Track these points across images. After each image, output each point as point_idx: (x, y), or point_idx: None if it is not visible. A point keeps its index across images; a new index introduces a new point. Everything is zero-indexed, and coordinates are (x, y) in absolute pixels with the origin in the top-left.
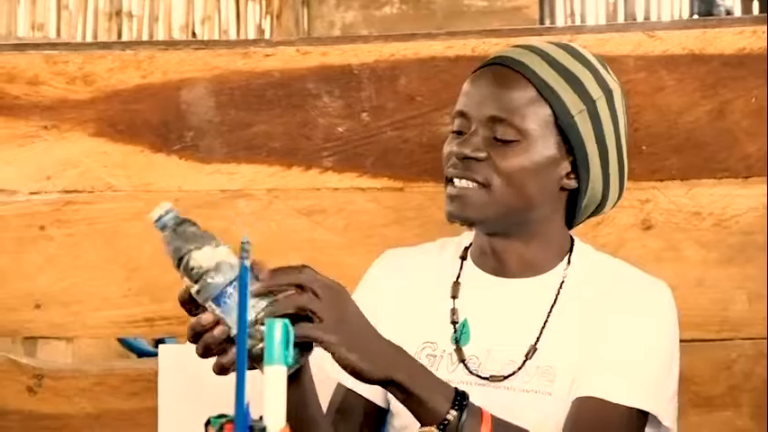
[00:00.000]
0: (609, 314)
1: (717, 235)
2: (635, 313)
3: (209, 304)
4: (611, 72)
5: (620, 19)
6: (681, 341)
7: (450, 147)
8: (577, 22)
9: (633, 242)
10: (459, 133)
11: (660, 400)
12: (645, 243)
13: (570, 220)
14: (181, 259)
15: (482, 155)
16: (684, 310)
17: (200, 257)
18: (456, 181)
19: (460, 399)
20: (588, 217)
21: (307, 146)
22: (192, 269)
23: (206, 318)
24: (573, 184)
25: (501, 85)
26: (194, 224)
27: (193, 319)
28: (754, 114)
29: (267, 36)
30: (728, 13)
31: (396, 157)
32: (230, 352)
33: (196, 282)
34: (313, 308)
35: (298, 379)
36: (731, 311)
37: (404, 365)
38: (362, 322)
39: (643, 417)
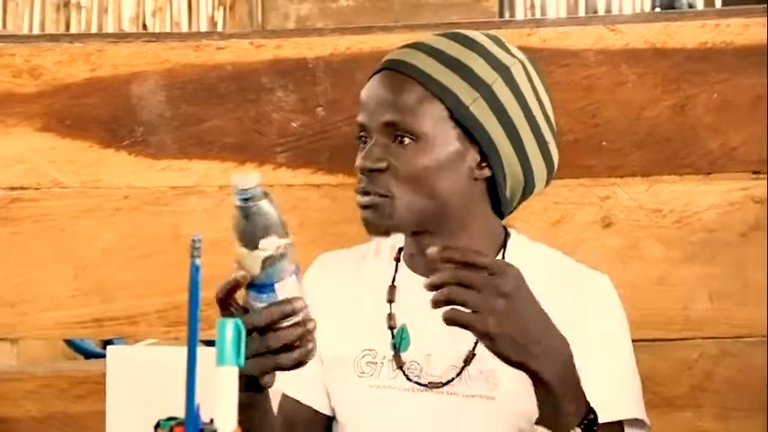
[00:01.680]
0: (555, 313)
1: (678, 233)
2: (586, 313)
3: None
4: (510, 48)
5: (582, 12)
6: (642, 341)
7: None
8: (537, 15)
9: (593, 241)
10: (364, 142)
11: (635, 400)
12: (605, 241)
13: (500, 209)
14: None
15: (383, 164)
16: (645, 310)
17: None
18: (363, 196)
19: (591, 421)
20: (523, 199)
21: (260, 141)
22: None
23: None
24: (486, 173)
25: (390, 90)
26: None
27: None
28: (716, 110)
29: (220, 28)
30: (691, 6)
31: (352, 153)
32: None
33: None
34: (469, 301)
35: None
36: (693, 311)
37: (557, 365)
38: (528, 311)
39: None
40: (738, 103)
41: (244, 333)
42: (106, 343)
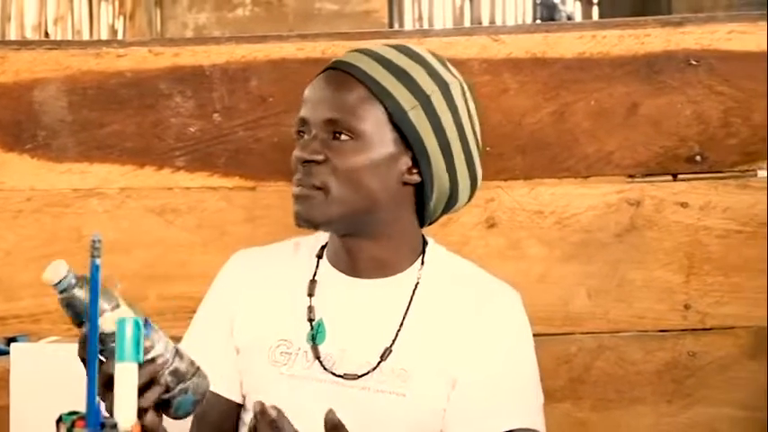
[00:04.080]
0: (465, 324)
1: (558, 233)
2: (493, 327)
3: None
4: (450, 68)
5: (467, 23)
6: None
7: (294, 152)
8: (425, 26)
9: (477, 240)
10: (304, 137)
11: (531, 411)
12: (489, 241)
13: (422, 218)
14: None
15: (320, 157)
16: (527, 306)
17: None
18: (298, 187)
19: None
20: (443, 213)
21: (159, 146)
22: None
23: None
24: (416, 178)
25: (334, 88)
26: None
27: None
28: (593, 116)
29: (120, 36)
30: (569, 18)
31: (247, 157)
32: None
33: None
34: None
35: None
36: (572, 307)
37: None
38: None
39: None
40: (614, 111)
41: (143, 331)
42: (10, 340)
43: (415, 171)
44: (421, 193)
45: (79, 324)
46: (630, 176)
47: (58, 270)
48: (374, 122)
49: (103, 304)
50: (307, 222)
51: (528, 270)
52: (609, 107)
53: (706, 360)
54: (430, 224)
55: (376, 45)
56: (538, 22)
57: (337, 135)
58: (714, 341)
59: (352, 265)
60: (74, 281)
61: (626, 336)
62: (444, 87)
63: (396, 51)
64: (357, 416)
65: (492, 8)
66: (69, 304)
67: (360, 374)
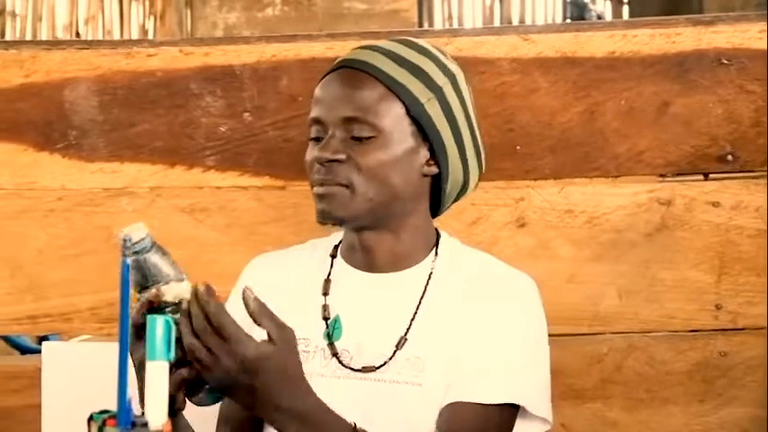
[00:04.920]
0: (475, 308)
1: (588, 232)
2: (499, 307)
3: None
4: (449, 58)
5: (496, 22)
6: (554, 335)
7: (311, 153)
8: (455, 25)
9: (507, 240)
10: (317, 139)
11: (527, 391)
12: (519, 241)
13: (435, 209)
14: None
15: (342, 156)
16: (557, 306)
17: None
18: (321, 186)
19: None
20: (453, 201)
21: (189, 145)
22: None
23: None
24: (434, 170)
25: (351, 87)
26: (162, 250)
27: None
28: (623, 116)
29: (150, 36)
30: (600, 17)
31: (277, 157)
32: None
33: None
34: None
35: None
36: (602, 307)
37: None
38: (278, 385)
39: (513, 409)
40: (644, 110)
41: (174, 329)
42: (41, 339)
43: (432, 163)
44: (434, 184)
45: (141, 290)
46: (661, 176)
47: (137, 231)
48: (393, 118)
49: (171, 272)
50: (331, 219)
51: (558, 270)
52: (639, 106)
53: (737, 360)
54: (439, 214)
55: (382, 41)
56: (568, 21)
57: (357, 133)
58: (745, 341)
59: (369, 261)
60: (149, 244)
61: (657, 336)
62: (453, 78)
63: (402, 46)
64: (376, 409)
65: (522, 7)
66: (140, 267)
67: (377, 366)
